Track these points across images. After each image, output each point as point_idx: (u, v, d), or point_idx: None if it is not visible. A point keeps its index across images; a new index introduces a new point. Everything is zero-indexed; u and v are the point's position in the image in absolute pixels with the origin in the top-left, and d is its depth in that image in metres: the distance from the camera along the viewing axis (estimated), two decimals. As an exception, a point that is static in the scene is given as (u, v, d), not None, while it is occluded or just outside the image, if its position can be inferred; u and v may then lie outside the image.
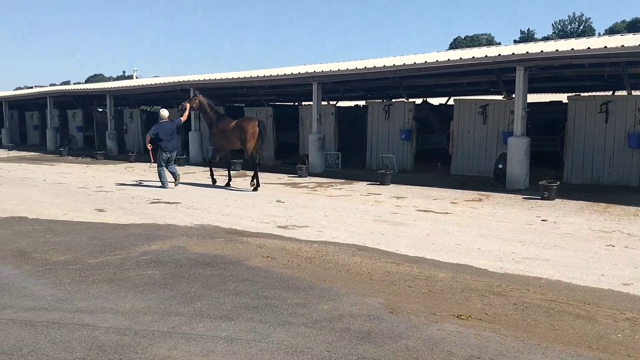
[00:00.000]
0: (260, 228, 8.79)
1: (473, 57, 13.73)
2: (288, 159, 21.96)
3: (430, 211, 10.46)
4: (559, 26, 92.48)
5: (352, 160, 19.52)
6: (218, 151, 15.10)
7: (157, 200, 11.60)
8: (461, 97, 19.07)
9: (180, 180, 14.44)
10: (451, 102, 19.36)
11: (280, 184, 15.30)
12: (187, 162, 21.56)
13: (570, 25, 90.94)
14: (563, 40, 20.24)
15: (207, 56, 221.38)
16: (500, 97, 17.43)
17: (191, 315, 4.79)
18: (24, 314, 4.81)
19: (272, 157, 22.30)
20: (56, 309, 4.93)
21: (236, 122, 14.29)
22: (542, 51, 12.71)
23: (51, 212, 9.99)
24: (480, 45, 72.93)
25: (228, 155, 15.21)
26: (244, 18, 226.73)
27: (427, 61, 14.48)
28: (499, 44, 78.20)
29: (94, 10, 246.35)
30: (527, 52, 12.87)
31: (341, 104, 26.14)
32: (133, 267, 6.34)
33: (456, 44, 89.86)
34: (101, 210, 10.24)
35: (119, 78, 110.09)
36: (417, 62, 14.67)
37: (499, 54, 13.32)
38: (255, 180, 13.68)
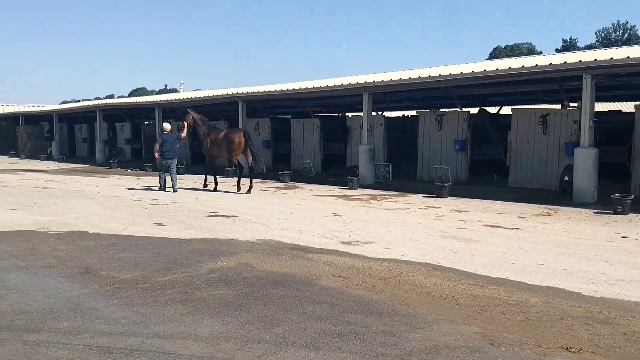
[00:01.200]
0: (323, 243, 8.47)
1: (537, 64, 13.16)
2: (335, 170, 21.70)
3: (498, 226, 9.95)
4: (603, 34, 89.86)
5: (401, 171, 19.08)
6: (211, 159, 16.90)
7: (214, 214, 11.44)
8: (520, 107, 18.42)
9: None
10: (508, 111, 18.69)
11: (332, 196, 14.99)
12: (236, 173, 21.40)
13: (615, 33, 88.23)
14: (625, 47, 19.33)
15: (249, 69, 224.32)
16: (559, 106, 16.73)
17: (275, 343, 4.48)
18: (99, 339, 4.59)
19: (319, 168, 22.07)
20: (132, 333, 4.70)
21: (225, 132, 16.29)
22: (611, 58, 12.06)
23: (111, 226, 9.92)
24: (520, 54, 71.43)
25: (220, 162, 17.35)
26: (283, 31, 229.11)
27: (487, 69, 13.98)
28: (540, 52, 76.24)
29: (136, 25, 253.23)
30: (595, 60, 12.24)
31: (386, 114, 25.70)
32: (203, 286, 6.10)
33: (496, 54, 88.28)
34: (160, 224, 10.11)
35: (161, 91, 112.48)
36: (475, 71, 14.19)
37: (565, 62, 12.72)
38: (245, 184, 15.74)
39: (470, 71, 14.33)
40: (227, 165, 19.86)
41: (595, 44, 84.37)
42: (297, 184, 18.23)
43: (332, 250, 7.96)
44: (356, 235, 9.10)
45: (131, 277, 6.49)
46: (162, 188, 15.85)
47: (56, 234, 9.09)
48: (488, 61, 20.99)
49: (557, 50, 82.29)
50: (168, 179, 16.03)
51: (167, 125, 16.87)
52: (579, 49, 69.56)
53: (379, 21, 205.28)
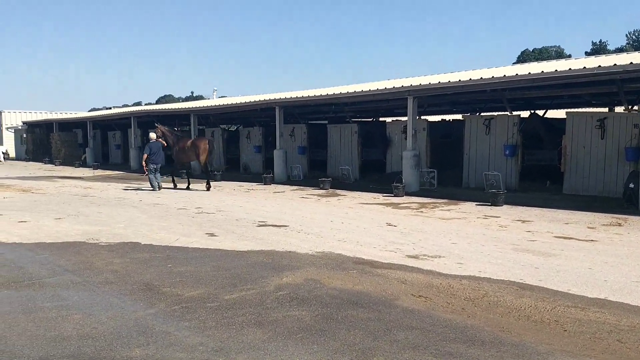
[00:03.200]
0: (387, 257, 7.94)
1: (599, 65, 12.43)
2: (374, 176, 21.15)
3: (571, 238, 9.29)
4: (634, 36, 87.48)
5: (445, 178, 18.44)
6: (180, 164, 19.62)
7: (263, 223, 11.00)
8: (575, 110, 17.61)
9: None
10: (557, 114, 17.96)
11: (378, 204, 14.44)
12: (273, 180, 21.06)
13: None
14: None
15: (278, 75, 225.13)
16: (620, 109, 15.91)
17: (377, 378, 3.96)
18: (180, 369, 4.13)
19: (357, 174, 21.54)
20: (214, 363, 4.23)
21: (191, 140, 19.12)
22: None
23: (162, 236, 9.54)
24: (549, 58, 69.90)
25: (187, 166, 20.40)
26: (304, 37, 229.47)
27: (544, 71, 13.29)
28: (569, 56, 74.55)
29: (163, 33, 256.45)
30: (666, 59, 11.49)
31: (429, 118, 25.07)
32: (275, 306, 5.62)
33: (524, 57, 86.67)
34: (212, 235, 9.70)
35: (188, 98, 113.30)
36: (531, 72, 13.51)
37: (631, 62, 11.98)
38: (208, 184, 18.43)
39: (527, 72, 13.66)
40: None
41: (625, 46, 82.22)
42: (338, 191, 17.74)
43: (400, 265, 7.42)
44: (421, 248, 8.54)
45: (196, 294, 6.04)
46: (155, 188, 18.00)
47: (107, 246, 8.74)
48: (536, 63, 20.22)
49: (587, 54, 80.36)
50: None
51: (153, 135, 18.61)
52: (610, 52, 67.73)
53: (396, 27, 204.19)
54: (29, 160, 43.09)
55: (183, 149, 18.69)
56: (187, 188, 18.39)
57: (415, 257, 7.98)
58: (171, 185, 18.84)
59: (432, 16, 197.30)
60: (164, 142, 18.67)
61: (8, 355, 4.39)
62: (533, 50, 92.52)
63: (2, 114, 53.63)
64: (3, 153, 43.39)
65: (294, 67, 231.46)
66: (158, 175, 18.21)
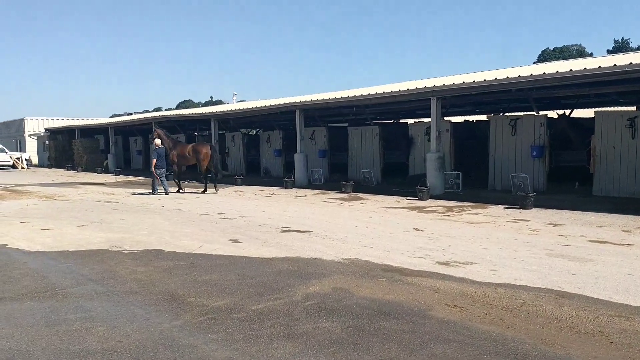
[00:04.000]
0: (417, 264, 7.69)
1: (631, 62, 12.02)
2: (396, 179, 20.86)
3: (606, 242, 8.94)
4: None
5: (470, 180, 18.08)
6: (179, 168, 19.93)
7: (287, 229, 10.82)
8: (604, 109, 17.15)
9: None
10: (584, 114, 17.51)
11: (403, 207, 14.17)
12: (294, 184, 20.89)
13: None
14: None
15: (295, 79, 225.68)
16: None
17: (417, 397, 3.73)
18: (208, 386, 3.95)
19: (379, 177, 21.28)
20: (244, 379, 4.04)
21: (192, 145, 19.69)
22: None
23: (185, 243, 9.41)
24: (570, 57, 68.79)
25: (183, 170, 20.71)
26: (315, 39, 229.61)
27: (573, 69, 12.91)
28: (591, 54, 73.19)
29: (182, 40, 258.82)
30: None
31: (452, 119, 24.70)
32: (304, 317, 5.42)
33: (545, 56, 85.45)
34: (236, 241, 9.54)
35: (207, 103, 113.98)
36: (560, 71, 13.13)
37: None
38: (205, 188, 19.19)
39: (555, 71, 13.29)
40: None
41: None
42: (360, 195, 17.51)
43: (431, 273, 7.17)
44: (451, 255, 8.27)
45: (222, 304, 5.87)
46: (155, 192, 18.67)
47: (131, 254, 8.63)
48: (561, 62, 19.76)
49: (609, 52, 78.91)
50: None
51: (158, 141, 19.14)
52: (632, 49, 66.40)
53: (413, 27, 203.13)
54: (52, 167, 43.62)
55: (183, 153, 19.34)
56: (178, 191, 19.23)
57: (446, 263, 7.72)
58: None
59: (450, 16, 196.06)
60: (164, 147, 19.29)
61: (32, 371, 4.26)
62: (554, 49, 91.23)
63: (25, 121, 54.46)
64: (26, 160, 43.99)
65: (313, 70, 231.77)
66: (164, 179, 18.85)
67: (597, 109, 16.70)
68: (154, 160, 18.61)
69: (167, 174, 19.67)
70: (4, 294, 6.45)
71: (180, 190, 19.38)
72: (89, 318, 5.50)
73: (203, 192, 19.12)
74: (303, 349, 4.61)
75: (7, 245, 9.58)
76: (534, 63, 50.44)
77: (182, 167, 20.24)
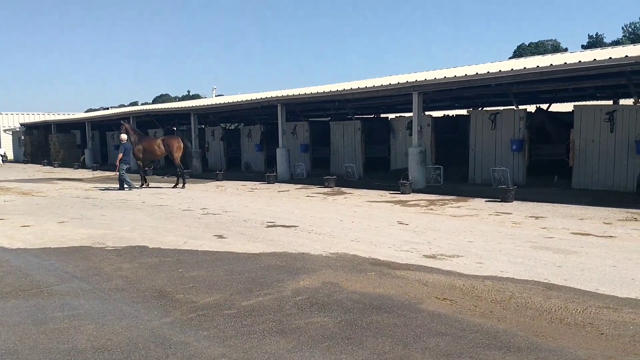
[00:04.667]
0: (404, 258, 7.72)
1: (610, 57, 12.21)
2: (378, 173, 20.92)
3: (588, 234, 9.08)
4: (630, 29, 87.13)
5: (451, 174, 18.23)
6: (143, 161, 20.09)
7: (272, 224, 10.77)
8: (583, 103, 17.40)
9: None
10: (562, 107, 17.74)
11: (386, 202, 14.22)
12: (276, 179, 20.81)
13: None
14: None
15: (273, 73, 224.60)
16: (631, 102, 15.70)
17: (414, 390, 3.74)
18: (203, 383, 3.91)
19: (361, 172, 21.32)
20: (240, 376, 4.01)
21: (162, 139, 19.97)
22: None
23: (169, 239, 9.30)
24: (545, 52, 69.63)
25: (148, 165, 21.16)
26: (304, 34, 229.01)
27: (553, 64, 13.06)
28: (566, 49, 74.20)
29: (157, 33, 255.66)
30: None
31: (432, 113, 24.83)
32: (296, 312, 5.39)
33: (520, 52, 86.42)
34: (221, 237, 9.47)
35: (185, 97, 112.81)
36: (540, 66, 13.28)
37: (643, 53, 11.77)
38: (179, 182, 19.07)
39: (535, 66, 13.43)
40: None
41: (622, 39, 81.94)
42: (343, 189, 17.52)
43: (419, 266, 7.20)
44: (437, 248, 8.32)
45: (212, 301, 5.82)
46: (130, 186, 18.57)
47: (115, 250, 8.50)
48: (540, 56, 19.99)
49: (583, 47, 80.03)
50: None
51: (124, 136, 19.14)
52: (606, 45, 67.46)
53: (386, 21, 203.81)
54: (28, 163, 42.78)
55: (151, 147, 19.47)
56: (142, 186, 19.39)
57: (433, 257, 7.76)
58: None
59: (425, 10, 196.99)
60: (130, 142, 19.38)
61: (21, 371, 4.17)
62: (529, 45, 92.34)
63: (-1, 116, 53.28)
64: (1, 155, 43.05)
65: (293, 64, 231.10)
66: (126, 175, 18.87)
67: (575, 103, 16.95)
68: (120, 155, 18.49)
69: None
70: (-14, 293, 6.29)
71: (144, 185, 19.41)
72: (77, 316, 5.40)
73: (174, 186, 19.03)
74: (297, 345, 4.59)
75: (-14, 242, 9.36)
76: (509, 58, 50.93)
77: (147, 162, 20.63)
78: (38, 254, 8.36)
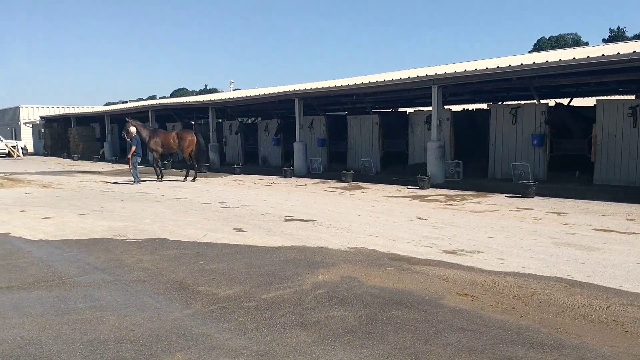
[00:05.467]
0: (423, 253, 7.67)
1: (634, 51, 11.97)
2: (395, 168, 20.82)
3: (611, 230, 8.95)
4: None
5: (470, 169, 18.06)
6: (159, 155, 20.17)
7: (290, 218, 10.78)
8: (605, 98, 17.13)
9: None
10: (590, 102, 17.44)
11: (404, 196, 14.15)
12: (293, 173, 20.82)
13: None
14: None
15: (291, 67, 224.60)
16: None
17: (437, 386, 3.72)
18: (225, 375, 3.92)
19: (378, 166, 21.23)
20: (261, 369, 4.02)
21: (176, 132, 20.12)
22: None
23: (189, 232, 9.36)
24: (566, 45, 68.53)
25: (162, 158, 20.91)
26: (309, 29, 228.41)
27: (576, 57, 12.85)
28: (587, 43, 72.91)
29: (175, 28, 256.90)
30: None
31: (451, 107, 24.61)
32: (316, 306, 5.39)
33: (540, 45, 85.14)
34: (240, 230, 9.50)
35: (202, 91, 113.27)
36: (562, 59, 13.06)
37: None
38: (189, 175, 19.49)
39: (557, 59, 13.22)
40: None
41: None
42: (360, 184, 17.48)
43: (439, 262, 7.15)
44: (457, 243, 8.25)
45: (232, 293, 5.84)
46: (138, 181, 18.58)
47: (135, 242, 8.58)
48: (562, 50, 19.70)
49: (604, 41, 78.65)
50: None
51: (133, 129, 19.01)
52: (628, 39, 66.21)
53: (407, 16, 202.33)
54: (48, 155, 43.32)
55: (167, 141, 19.53)
56: (159, 179, 19.54)
57: (453, 252, 7.70)
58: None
59: (442, 3, 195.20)
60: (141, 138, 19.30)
61: (45, 361, 4.22)
62: (549, 38, 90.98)
63: (20, 109, 53.98)
64: (22, 148, 43.69)
65: (311, 58, 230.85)
66: (137, 169, 18.94)
67: (598, 98, 16.68)
68: (133, 148, 18.44)
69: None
70: (10, 283, 6.39)
71: (160, 179, 19.55)
72: (99, 307, 5.46)
73: (185, 179, 19.44)
74: (317, 338, 4.59)
75: (9, 233, 9.50)
76: (529, 52, 50.27)
77: (165, 156, 21.07)
78: (59, 245, 8.47)
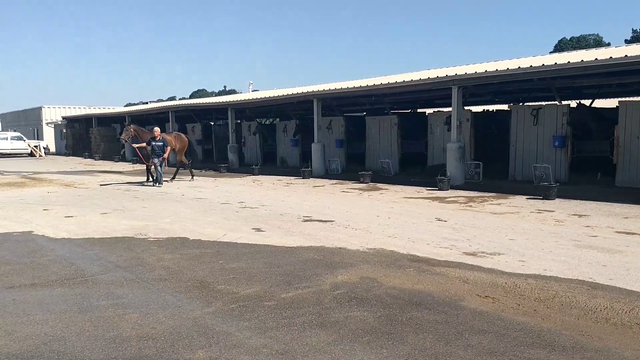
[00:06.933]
0: (443, 254, 7.63)
1: (660, 51, 11.79)
2: (414, 169, 20.73)
3: (634, 233, 8.81)
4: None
5: (490, 170, 17.91)
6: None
7: (308, 218, 10.80)
8: (628, 99, 16.88)
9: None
10: (613, 104, 17.19)
11: (423, 198, 14.09)
12: (311, 174, 20.85)
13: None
14: None
15: (309, 67, 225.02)
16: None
17: (457, 387, 3.70)
18: (246, 374, 3.95)
19: (397, 167, 21.16)
20: (281, 368, 4.04)
21: (173, 135, 20.59)
22: None
23: (209, 231, 9.43)
24: (587, 46, 67.53)
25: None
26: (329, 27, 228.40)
27: (598, 58, 12.69)
28: (609, 44, 71.78)
29: (195, 29, 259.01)
30: None
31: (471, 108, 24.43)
32: (335, 306, 5.40)
33: (562, 46, 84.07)
34: (259, 230, 9.55)
35: (221, 92, 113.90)
36: (585, 60, 12.91)
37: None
38: (193, 175, 20.24)
39: (579, 60, 13.06)
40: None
41: (668, 33, 78.74)
42: (378, 185, 17.44)
43: (459, 264, 7.11)
44: (477, 245, 8.20)
45: (252, 292, 5.87)
46: (156, 182, 18.28)
47: (156, 241, 8.67)
48: (583, 51, 19.46)
49: (627, 42, 77.37)
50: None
51: (158, 129, 18.99)
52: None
53: (427, 16, 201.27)
54: (69, 155, 43.95)
55: (170, 143, 19.34)
56: (173, 179, 19.91)
57: (473, 254, 7.65)
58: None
59: (463, 3, 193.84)
60: (141, 145, 18.95)
61: (69, 357, 4.29)
62: (571, 39, 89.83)
63: (42, 109, 54.88)
64: (44, 148, 44.38)
65: (329, 58, 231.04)
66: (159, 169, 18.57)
67: (620, 99, 16.43)
68: (168, 149, 18.33)
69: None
70: (34, 280, 6.51)
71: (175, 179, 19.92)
72: (121, 305, 5.53)
73: (192, 179, 19.92)
74: (337, 338, 4.59)
75: (32, 232, 9.67)
76: (550, 52, 49.68)
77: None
78: (82, 243, 8.59)
